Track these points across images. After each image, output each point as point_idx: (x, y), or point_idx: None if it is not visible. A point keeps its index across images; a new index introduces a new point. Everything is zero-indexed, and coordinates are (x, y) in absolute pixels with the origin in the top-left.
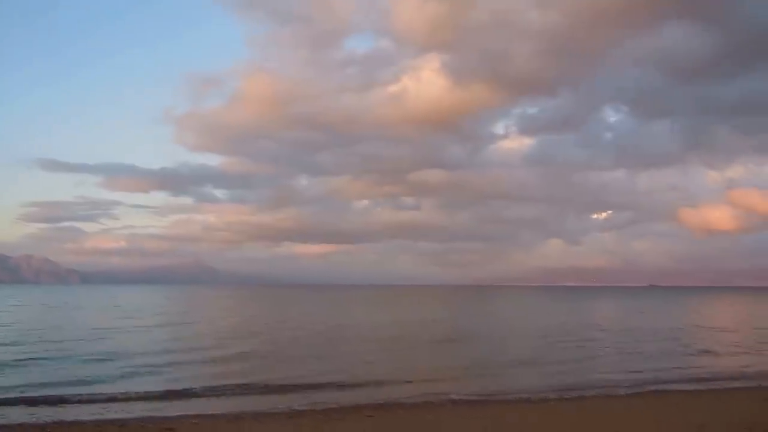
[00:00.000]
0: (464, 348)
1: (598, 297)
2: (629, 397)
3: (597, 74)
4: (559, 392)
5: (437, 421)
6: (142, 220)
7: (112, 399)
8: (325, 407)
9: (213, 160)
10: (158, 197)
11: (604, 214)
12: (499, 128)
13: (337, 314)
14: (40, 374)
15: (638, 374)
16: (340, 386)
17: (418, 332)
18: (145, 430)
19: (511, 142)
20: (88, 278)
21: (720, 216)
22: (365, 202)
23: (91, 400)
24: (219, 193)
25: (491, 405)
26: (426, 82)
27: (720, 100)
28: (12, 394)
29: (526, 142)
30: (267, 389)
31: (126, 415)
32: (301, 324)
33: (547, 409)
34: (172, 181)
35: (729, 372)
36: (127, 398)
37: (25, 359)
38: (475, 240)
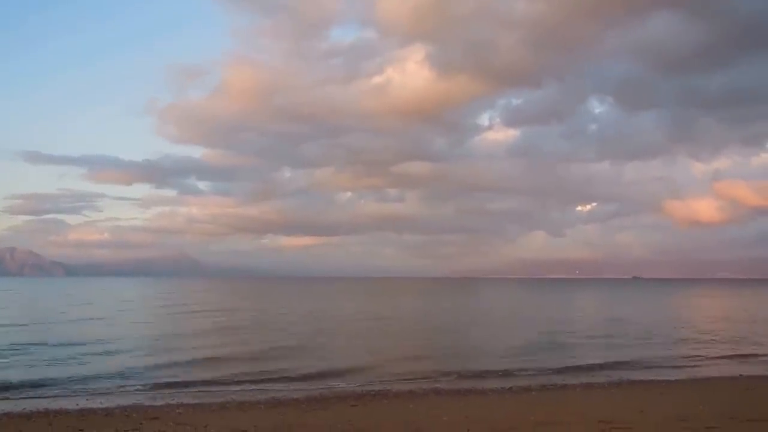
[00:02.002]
0: (447, 339)
1: (581, 289)
2: (611, 386)
3: (582, 65)
4: (541, 382)
5: (420, 410)
6: (125, 212)
7: (97, 389)
8: (309, 397)
9: (196, 152)
10: (141, 189)
11: (588, 206)
12: (483, 120)
13: (321, 306)
14: (28, 364)
15: (619, 364)
16: (325, 376)
17: (402, 323)
18: (130, 419)
19: (495, 133)
20: (72, 270)
21: (706, 208)
22: (349, 194)
23: (77, 389)
24: (202, 185)
25: (474, 395)
26: (410, 74)
27: (706, 92)
28: None
29: (511, 134)
30: (252, 380)
31: (111, 404)
32: (286, 316)
33: (529, 398)
34: (156, 173)
35: (710, 362)
36: (113, 388)
37: (11, 349)
38: (458, 232)
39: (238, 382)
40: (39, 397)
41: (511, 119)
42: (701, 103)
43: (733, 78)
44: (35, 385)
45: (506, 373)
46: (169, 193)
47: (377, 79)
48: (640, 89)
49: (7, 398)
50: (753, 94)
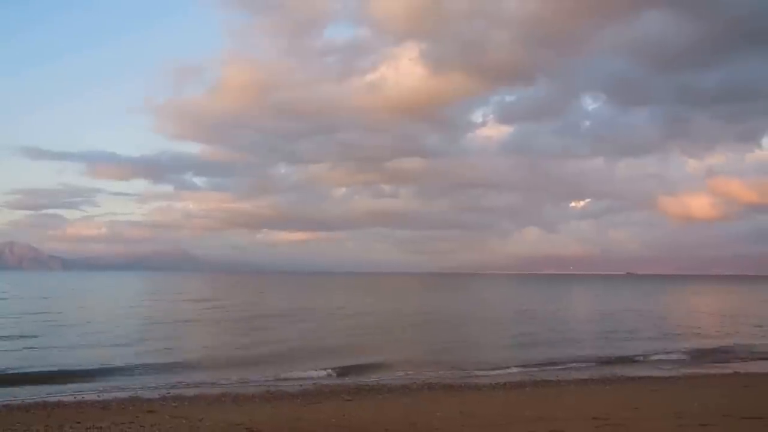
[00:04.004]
0: (441, 334)
1: (574, 285)
2: (605, 383)
3: (575, 62)
4: (534, 378)
5: (414, 404)
6: (123, 208)
7: (95, 381)
8: (304, 391)
9: (193, 149)
10: (139, 185)
11: (581, 203)
12: (477, 116)
13: (316, 300)
14: (25, 356)
15: (614, 360)
16: (318, 370)
17: (395, 318)
18: (127, 412)
19: (489, 130)
20: (69, 265)
21: (699, 204)
22: (343, 190)
23: (75, 382)
24: (199, 180)
25: (468, 390)
26: (404, 71)
27: (699, 89)
28: None
29: (504, 131)
30: (248, 373)
31: (108, 397)
32: (282, 310)
33: (523, 394)
34: (153, 168)
35: (705, 359)
36: (110, 381)
37: (12, 341)
38: (452, 228)
39: (236, 376)
40: (38, 389)
41: (505, 116)
42: (695, 100)
43: (726, 75)
44: (34, 377)
45: (500, 369)
46: (166, 188)
47: (371, 77)
48: (634, 86)
49: (7, 390)
50: (747, 90)
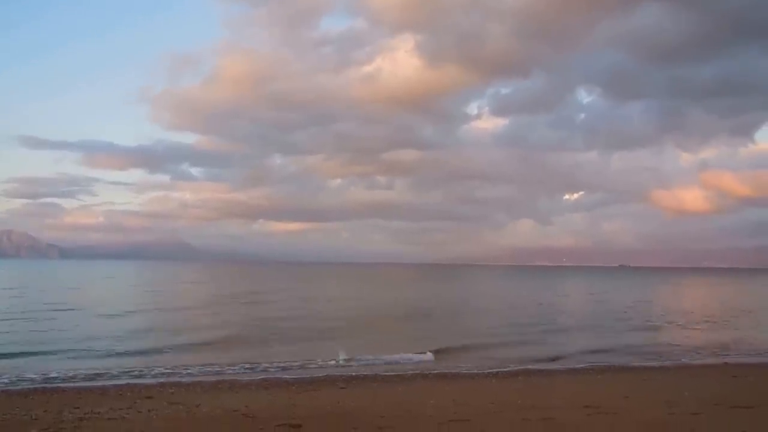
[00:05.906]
0: (435, 324)
1: (567, 277)
2: (596, 372)
3: (571, 56)
4: (527, 367)
5: (409, 392)
6: (120, 197)
7: (93, 369)
8: (299, 379)
9: (189, 139)
10: (136, 174)
11: (575, 195)
12: (472, 109)
13: (312, 290)
14: (27, 345)
15: (605, 350)
16: (314, 360)
17: (389, 309)
18: (124, 398)
19: (484, 122)
20: (67, 253)
21: (692, 197)
22: (339, 180)
23: (74, 369)
24: (195, 171)
25: (461, 378)
26: (400, 63)
27: (694, 83)
28: None
29: (499, 123)
30: (244, 362)
31: (106, 383)
32: (278, 301)
33: (515, 383)
34: (150, 158)
35: (695, 349)
36: (107, 368)
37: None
38: (447, 219)
39: (232, 366)
40: (36, 376)
41: (500, 108)
42: (689, 94)
43: (721, 69)
44: (34, 365)
45: (493, 359)
46: (163, 178)
47: (367, 68)
48: (629, 80)
49: (6, 377)
50: (741, 85)
